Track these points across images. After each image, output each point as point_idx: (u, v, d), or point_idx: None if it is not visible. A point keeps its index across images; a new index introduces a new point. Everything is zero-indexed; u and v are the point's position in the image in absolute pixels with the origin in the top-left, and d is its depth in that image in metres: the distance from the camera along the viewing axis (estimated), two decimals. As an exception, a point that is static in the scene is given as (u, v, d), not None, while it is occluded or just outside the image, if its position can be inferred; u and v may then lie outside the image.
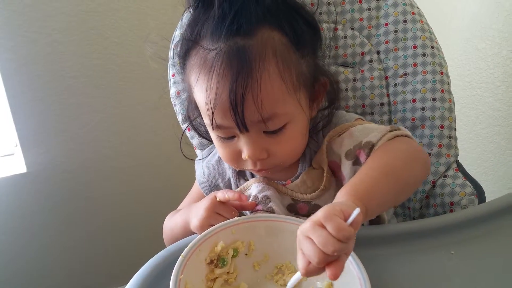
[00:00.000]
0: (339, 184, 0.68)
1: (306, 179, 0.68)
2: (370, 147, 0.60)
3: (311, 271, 0.44)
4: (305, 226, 0.44)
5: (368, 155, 0.60)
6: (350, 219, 0.43)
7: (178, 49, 0.65)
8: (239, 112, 0.55)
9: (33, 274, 1.44)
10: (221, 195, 0.65)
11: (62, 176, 1.36)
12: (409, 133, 0.64)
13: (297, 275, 0.49)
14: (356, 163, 0.62)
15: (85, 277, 1.53)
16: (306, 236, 0.44)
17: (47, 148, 1.31)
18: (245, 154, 0.61)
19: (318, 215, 0.44)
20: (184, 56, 0.63)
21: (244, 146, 0.61)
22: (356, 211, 0.43)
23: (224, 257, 0.56)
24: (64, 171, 1.36)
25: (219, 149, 0.66)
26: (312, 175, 0.68)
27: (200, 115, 0.68)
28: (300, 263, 0.45)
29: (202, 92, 0.58)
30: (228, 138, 0.62)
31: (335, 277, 0.42)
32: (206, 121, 0.61)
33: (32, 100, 1.24)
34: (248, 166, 0.65)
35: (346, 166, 0.63)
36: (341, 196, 0.50)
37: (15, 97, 1.22)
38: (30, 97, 1.24)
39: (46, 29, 1.20)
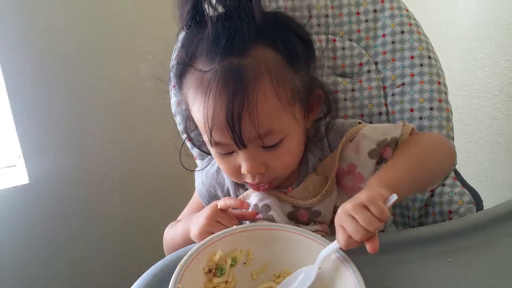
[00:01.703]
0: (340, 191, 0.69)
1: (308, 185, 0.68)
2: (395, 142, 0.66)
3: (351, 244, 0.51)
4: (348, 206, 0.51)
5: (393, 150, 0.65)
6: (389, 203, 0.50)
7: (175, 65, 0.66)
8: (237, 130, 0.57)
9: (36, 286, 1.44)
10: (222, 202, 0.66)
11: (65, 187, 1.37)
12: (414, 126, 0.70)
13: (334, 245, 0.53)
14: (380, 161, 0.66)
15: (87, 287, 1.53)
16: (349, 215, 0.50)
17: (50, 160, 1.32)
18: (244, 169, 0.62)
19: (362, 197, 0.50)
20: (180, 76, 0.64)
21: (242, 161, 0.62)
22: (394, 196, 0.50)
23: (222, 266, 0.56)
24: (67, 182, 1.36)
25: (219, 164, 0.67)
26: (314, 181, 0.68)
27: (197, 129, 0.69)
28: (341, 237, 0.51)
29: (200, 112, 0.59)
30: (227, 153, 0.63)
31: (375, 250, 0.49)
32: (205, 138, 0.63)
33: (35, 112, 1.26)
34: (248, 180, 0.66)
35: (367, 166, 0.66)
36: (374, 182, 0.56)
37: (18, 109, 1.23)
38: (33, 109, 1.25)
39: (50, 41, 1.21)
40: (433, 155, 0.66)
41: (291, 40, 0.62)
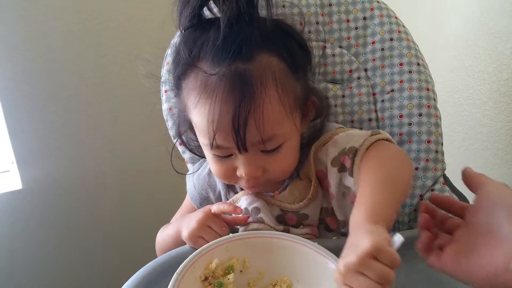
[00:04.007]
0: (325, 193, 0.70)
1: (294, 189, 0.69)
2: (354, 152, 0.61)
3: None
4: (352, 261, 0.42)
5: (352, 160, 0.61)
6: (396, 247, 0.43)
7: (173, 67, 0.67)
8: (241, 135, 0.57)
9: (27, 291, 1.43)
10: (216, 207, 0.66)
11: (58, 193, 1.36)
12: (389, 136, 0.65)
13: None
14: (342, 169, 0.64)
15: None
16: (357, 272, 0.42)
17: (43, 165, 1.32)
18: (241, 172, 0.63)
19: (366, 245, 0.42)
20: (181, 76, 0.64)
21: (241, 164, 0.63)
22: (399, 238, 0.43)
23: (221, 281, 0.56)
24: (60, 188, 1.36)
25: (213, 166, 0.67)
26: (299, 185, 0.70)
27: (193, 132, 0.69)
28: None
29: (203, 116, 0.59)
30: (225, 156, 0.64)
31: None
32: (205, 141, 0.62)
33: (28, 118, 1.26)
34: (241, 182, 0.67)
35: (332, 174, 0.65)
36: (361, 219, 0.48)
37: (11, 115, 1.23)
38: (26, 115, 1.25)
39: (43, 47, 1.22)
40: (399, 171, 0.59)
41: (294, 48, 0.64)
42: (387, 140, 0.64)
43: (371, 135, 0.63)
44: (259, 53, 0.59)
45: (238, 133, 0.57)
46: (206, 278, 0.56)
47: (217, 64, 0.58)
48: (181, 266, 0.54)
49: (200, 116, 0.60)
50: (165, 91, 0.84)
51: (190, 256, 0.55)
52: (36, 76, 1.23)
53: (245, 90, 0.56)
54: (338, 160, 0.64)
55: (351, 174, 0.61)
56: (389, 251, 0.41)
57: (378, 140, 0.63)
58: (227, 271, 0.58)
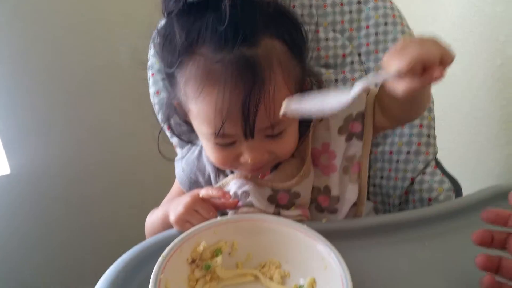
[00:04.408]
0: (317, 172, 0.70)
1: (286, 167, 0.69)
2: (362, 116, 0.66)
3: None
4: (406, 42, 0.45)
5: (362, 124, 0.66)
6: None
7: (165, 53, 0.63)
8: (251, 122, 0.56)
9: (18, 274, 1.43)
10: (205, 192, 0.66)
11: (46, 178, 1.35)
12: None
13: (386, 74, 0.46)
14: (349, 138, 0.67)
15: (70, 277, 1.53)
16: (415, 42, 0.45)
17: (31, 150, 1.31)
18: (246, 158, 0.62)
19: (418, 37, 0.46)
20: (175, 63, 0.60)
21: (246, 151, 0.61)
22: None
23: (209, 263, 0.56)
24: (48, 173, 1.35)
25: (214, 154, 0.65)
26: (291, 163, 0.69)
27: (181, 119, 0.68)
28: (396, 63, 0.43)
29: (209, 105, 0.57)
30: (227, 144, 0.62)
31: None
32: (209, 130, 0.60)
33: (14, 102, 1.24)
34: (242, 168, 0.66)
35: (338, 143, 0.68)
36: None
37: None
38: (12, 99, 1.23)
39: (31, 30, 1.20)
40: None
41: (292, 31, 0.62)
42: None
43: (367, 95, 0.67)
44: (263, 38, 0.57)
45: (247, 121, 0.56)
46: (193, 261, 0.56)
47: (220, 50, 0.55)
48: (167, 249, 0.53)
49: (205, 106, 0.58)
50: (152, 74, 0.82)
51: (176, 239, 0.55)
52: (22, 60, 1.21)
53: (254, 76, 0.55)
54: (346, 128, 0.67)
55: (361, 138, 0.66)
56: (447, 49, 0.44)
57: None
58: (215, 254, 0.58)
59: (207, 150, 0.67)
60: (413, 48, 0.43)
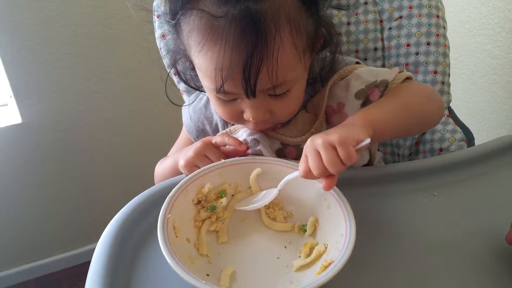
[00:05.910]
0: (329, 128, 0.67)
1: (298, 122, 0.67)
2: (385, 85, 0.63)
3: (309, 176, 0.50)
4: (318, 141, 0.49)
5: (382, 93, 0.63)
6: (358, 146, 0.49)
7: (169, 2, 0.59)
8: (252, 83, 0.54)
9: (30, 222, 1.48)
10: (220, 139, 0.65)
11: (57, 127, 1.36)
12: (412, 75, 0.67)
13: (295, 174, 0.54)
14: (365, 103, 0.64)
15: (80, 226, 1.58)
16: (316, 150, 0.49)
17: (42, 99, 1.31)
18: (248, 116, 0.60)
19: (334, 137, 0.48)
20: (179, 10, 0.57)
21: (248, 108, 0.60)
22: (367, 141, 0.49)
23: (214, 204, 0.57)
24: (59, 122, 1.36)
25: (217, 108, 0.64)
26: (305, 118, 0.67)
27: (190, 63, 0.66)
28: (302, 167, 0.50)
29: (210, 62, 0.54)
30: (230, 100, 0.61)
31: (329, 188, 0.49)
32: (210, 85, 0.58)
33: (24, 50, 1.22)
34: (248, 125, 0.65)
35: (353, 106, 0.64)
36: (356, 120, 0.55)
37: (6, 47, 1.20)
38: (22, 47, 1.21)
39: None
40: (422, 104, 0.63)
41: None
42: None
43: (400, 72, 0.64)
44: None
45: (248, 81, 0.54)
46: (199, 202, 0.56)
47: (224, 2, 0.51)
48: (173, 190, 0.53)
49: (206, 61, 0.55)
50: (158, 16, 0.79)
51: (182, 181, 0.55)
52: (32, 8, 1.18)
53: (258, 35, 0.51)
54: (365, 93, 0.63)
55: None
56: (348, 148, 0.47)
57: (408, 78, 0.65)
58: (219, 195, 0.58)
59: (213, 103, 0.66)
60: (311, 159, 0.49)
